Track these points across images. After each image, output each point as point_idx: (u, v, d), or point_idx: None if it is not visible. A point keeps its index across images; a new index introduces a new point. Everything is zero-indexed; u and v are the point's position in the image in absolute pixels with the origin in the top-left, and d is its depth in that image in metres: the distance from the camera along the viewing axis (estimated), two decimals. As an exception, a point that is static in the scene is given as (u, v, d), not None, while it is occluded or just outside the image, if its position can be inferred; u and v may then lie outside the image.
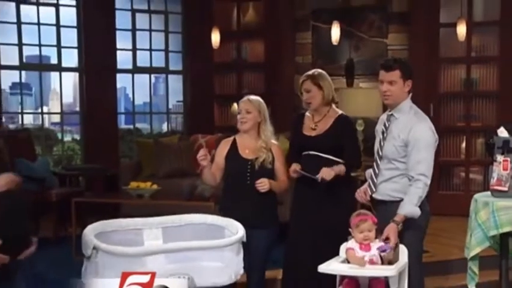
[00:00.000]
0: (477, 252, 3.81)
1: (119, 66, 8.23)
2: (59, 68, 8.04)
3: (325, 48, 8.03)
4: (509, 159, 3.79)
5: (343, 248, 3.46)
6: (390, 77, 3.67)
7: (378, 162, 3.73)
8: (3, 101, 7.87)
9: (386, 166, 3.70)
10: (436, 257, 5.27)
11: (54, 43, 7.89)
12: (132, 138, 9.05)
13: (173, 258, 3.32)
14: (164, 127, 9.53)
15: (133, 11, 8.35)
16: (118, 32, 8.16)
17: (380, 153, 3.72)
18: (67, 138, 9.51)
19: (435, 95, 7.29)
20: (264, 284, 4.18)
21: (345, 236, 3.48)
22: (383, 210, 3.68)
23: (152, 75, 8.95)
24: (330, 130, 4.17)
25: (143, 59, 8.50)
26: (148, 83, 8.79)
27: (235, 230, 3.56)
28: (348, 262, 3.34)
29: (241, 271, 3.51)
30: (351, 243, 3.39)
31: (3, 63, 7.49)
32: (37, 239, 2.95)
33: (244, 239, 3.51)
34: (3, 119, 7.65)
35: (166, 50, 8.62)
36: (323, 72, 4.28)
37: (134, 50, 8.40)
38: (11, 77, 8.17)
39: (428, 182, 3.60)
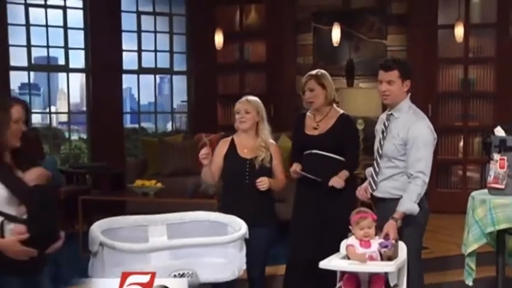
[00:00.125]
0: (474, 249, 3.81)
1: (125, 67, 8.22)
2: (66, 68, 8.04)
3: (326, 49, 8.02)
4: (505, 157, 3.78)
5: (343, 244, 3.45)
6: (388, 76, 3.67)
7: (379, 160, 3.73)
8: (12, 101, 7.85)
9: (386, 164, 3.70)
10: (435, 254, 5.27)
11: (62, 45, 7.89)
12: (137, 137, 9.05)
13: (178, 255, 3.32)
14: (169, 126, 9.53)
15: (139, 13, 8.34)
16: (123, 34, 8.15)
17: (380, 152, 3.72)
18: (74, 137, 9.51)
19: (434, 95, 7.28)
20: (264, 280, 4.18)
21: (345, 233, 3.48)
22: (383, 207, 3.68)
23: (157, 76, 8.94)
24: (332, 129, 4.16)
25: (148, 60, 8.49)
26: (153, 83, 8.78)
27: (238, 227, 3.56)
28: (349, 258, 3.34)
29: (244, 267, 3.51)
30: (351, 240, 3.38)
31: (12, 64, 7.49)
32: (64, 234, 2.95)
33: (247, 236, 3.50)
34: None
35: (171, 51, 8.62)
36: (326, 72, 4.29)
37: (139, 51, 8.39)
38: (20, 77, 8.17)
39: (427, 179, 3.60)
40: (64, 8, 7.84)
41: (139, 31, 8.35)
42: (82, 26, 7.96)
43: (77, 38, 7.93)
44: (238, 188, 4.01)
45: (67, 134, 8.69)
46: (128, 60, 8.26)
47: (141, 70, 8.48)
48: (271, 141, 4.12)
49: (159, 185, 6.04)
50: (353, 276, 3.31)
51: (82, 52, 8.02)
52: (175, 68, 8.73)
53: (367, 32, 7.89)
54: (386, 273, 3.30)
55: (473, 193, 3.97)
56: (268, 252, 4.08)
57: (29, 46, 7.62)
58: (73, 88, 8.42)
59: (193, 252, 3.33)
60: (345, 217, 3.50)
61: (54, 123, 9.40)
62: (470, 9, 7.26)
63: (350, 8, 7.96)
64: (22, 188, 2.86)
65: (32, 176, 2.91)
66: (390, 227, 3.48)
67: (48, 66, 8.16)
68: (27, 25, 7.59)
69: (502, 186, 3.78)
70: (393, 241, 3.35)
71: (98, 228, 3.31)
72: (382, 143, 3.72)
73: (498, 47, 7.13)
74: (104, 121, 7.88)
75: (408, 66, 3.78)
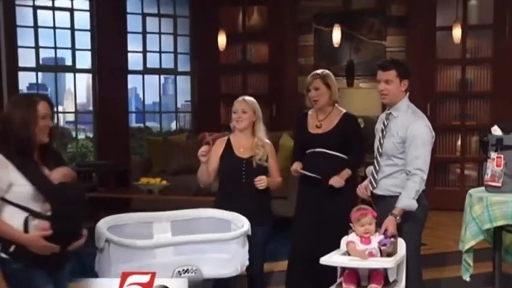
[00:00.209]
0: (472, 245, 3.81)
1: (130, 68, 8.22)
2: (73, 69, 8.05)
3: (326, 50, 8.01)
4: (502, 156, 3.78)
5: (344, 241, 3.46)
6: (386, 76, 3.69)
7: (379, 159, 3.73)
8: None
9: (386, 162, 3.70)
10: (433, 250, 5.26)
11: (69, 46, 7.89)
12: (142, 136, 9.05)
13: (182, 251, 3.33)
14: (173, 125, 9.53)
15: (144, 15, 8.34)
16: (129, 35, 8.15)
17: (380, 150, 3.72)
18: (81, 136, 9.52)
19: (432, 95, 7.27)
20: (263, 276, 4.19)
21: (346, 230, 3.48)
22: (383, 204, 3.68)
23: (162, 76, 8.93)
24: (337, 128, 4.16)
25: (153, 61, 8.49)
26: (157, 83, 8.78)
27: (241, 223, 3.56)
28: (349, 254, 3.34)
29: (247, 262, 3.51)
30: (351, 237, 3.39)
31: (21, 65, 7.49)
32: (87, 231, 2.96)
33: (250, 233, 3.50)
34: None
35: (175, 52, 8.61)
36: (330, 73, 4.29)
37: (144, 52, 8.38)
38: (28, 78, 8.17)
39: (425, 176, 3.61)
40: (71, 11, 7.84)
41: (144, 33, 8.34)
42: (88, 27, 7.96)
43: (84, 40, 7.94)
44: (235, 187, 4.00)
45: (73, 133, 8.70)
46: (134, 61, 8.26)
47: (146, 71, 8.47)
48: (267, 140, 4.12)
49: (164, 182, 6.05)
50: (353, 272, 3.32)
51: (89, 53, 8.02)
52: (179, 69, 8.72)
53: (367, 33, 7.87)
54: (386, 269, 3.30)
55: (471, 191, 3.98)
56: (266, 248, 4.07)
57: (37, 47, 7.62)
58: (79, 88, 8.43)
59: (196, 249, 3.34)
60: (346, 214, 3.50)
61: (61, 123, 9.41)
62: (467, 11, 7.24)
63: (350, 10, 7.95)
64: (48, 186, 2.88)
65: (58, 175, 2.93)
66: (389, 222, 3.48)
67: (56, 67, 8.16)
68: (36, 27, 7.59)
69: (499, 184, 3.79)
70: (392, 239, 3.35)
71: (104, 225, 3.31)
72: (382, 141, 3.73)
73: (495, 48, 7.11)
74: (110, 120, 7.88)
75: (406, 67, 3.79)
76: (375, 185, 3.74)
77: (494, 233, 3.87)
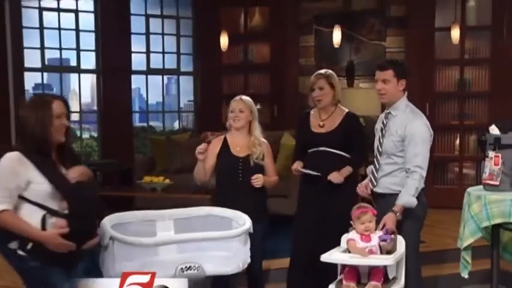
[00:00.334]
0: (470, 243, 3.80)
1: (133, 68, 8.22)
2: (78, 69, 8.05)
3: (327, 50, 8.00)
4: (500, 155, 3.78)
5: (344, 238, 3.45)
6: (383, 75, 3.70)
7: (379, 157, 3.73)
8: (26, 101, 7.87)
9: (386, 161, 3.70)
10: (432, 247, 5.25)
11: (74, 46, 7.90)
12: (146, 136, 9.05)
13: (184, 248, 3.32)
14: (176, 125, 9.52)
15: (147, 16, 8.34)
16: (132, 36, 8.15)
17: (380, 149, 3.72)
18: (85, 135, 9.51)
19: (431, 95, 7.25)
20: (262, 273, 4.19)
21: (346, 228, 3.47)
22: (383, 202, 3.68)
23: (165, 76, 8.94)
24: (340, 127, 4.15)
25: (156, 61, 8.49)
26: (160, 83, 8.78)
27: (243, 221, 3.55)
28: (349, 252, 3.33)
29: (248, 260, 3.50)
30: (352, 234, 3.38)
31: (26, 65, 7.49)
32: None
33: (251, 230, 3.50)
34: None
35: (178, 53, 8.61)
36: (334, 73, 4.28)
37: (147, 52, 8.39)
38: (34, 78, 8.17)
39: (424, 173, 3.61)
40: (76, 12, 7.85)
41: (148, 33, 8.34)
42: (93, 28, 7.96)
43: (89, 40, 7.94)
44: (232, 186, 3.99)
45: (78, 133, 8.70)
46: (137, 61, 8.26)
47: (149, 71, 8.48)
48: (263, 139, 4.11)
49: (167, 181, 6.04)
50: (354, 269, 3.31)
51: (93, 54, 8.03)
52: (182, 69, 8.73)
53: (367, 34, 7.86)
54: (385, 266, 3.30)
55: (469, 189, 3.97)
56: (263, 246, 4.06)
57: (42, 48, 7.63)
58: (84, 88, 8.43)
59: (199, 246, 3.33)
60: (346, 213, 3.50)
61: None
62: (466, 12, 7.22)
63: (350, 11, 7.94)
64: (65, 185, 2.89)
65: (75, 174, 2.94)
66: (389, 218, 3.48)
67: (61, 68, 8.17)
68: (41, 28, 7.60)
69: (497, 183, 3.78)
70: (392, 235, 3.35)
71: (108, 223, 3.30)
72: (381, 140, 3.73)
73: (493, 48, 7.10)
74: (114, 120, 7.88)
75: (404, 67, 3.79)
76: (375, 183, 3.74)
77: (492, 231, 3.86)
